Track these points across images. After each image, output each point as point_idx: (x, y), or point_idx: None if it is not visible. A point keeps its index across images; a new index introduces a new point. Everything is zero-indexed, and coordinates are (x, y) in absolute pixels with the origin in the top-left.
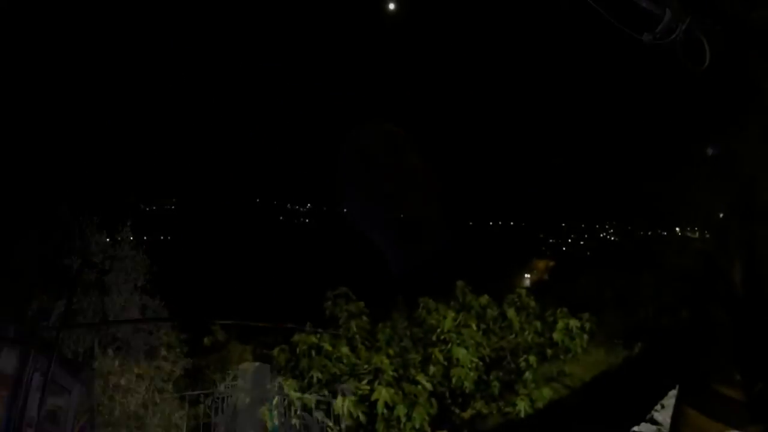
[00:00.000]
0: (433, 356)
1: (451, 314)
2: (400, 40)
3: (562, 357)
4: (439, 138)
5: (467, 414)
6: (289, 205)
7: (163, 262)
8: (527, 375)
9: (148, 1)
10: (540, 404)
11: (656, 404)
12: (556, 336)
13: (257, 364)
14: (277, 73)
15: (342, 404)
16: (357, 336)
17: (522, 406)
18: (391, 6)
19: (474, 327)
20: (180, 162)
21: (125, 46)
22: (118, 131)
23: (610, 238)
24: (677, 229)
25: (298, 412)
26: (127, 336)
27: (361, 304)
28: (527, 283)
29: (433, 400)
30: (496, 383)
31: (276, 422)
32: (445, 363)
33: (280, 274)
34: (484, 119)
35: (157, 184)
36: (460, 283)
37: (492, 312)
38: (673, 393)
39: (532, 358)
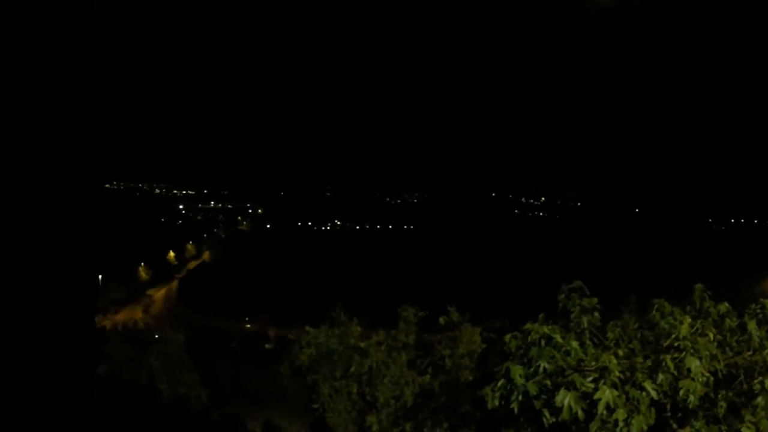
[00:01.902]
0: (663, 363)
1: (688, 320)
2: None
3: None
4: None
5: (685, 431)
6: (523, 198)
7: (401, 249)
8: (759, 400)
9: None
10: None
11: None
12: None
13: (485, 346)
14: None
15: (564, 397)
16: (587, 332)
17: None
18: None
19: (711, 337)
20: (424, 160)
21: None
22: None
23: None
24: None
25: (520, 398)
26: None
27: (594, 300)
28: None
29: (653, 410)
30: (722, 403)
31: (496, 403)
32: (675, 372)
33: (515, 264)
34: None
35: (401, 180)
36: (698, 287)
37: (730, 322)
38: None
39: None
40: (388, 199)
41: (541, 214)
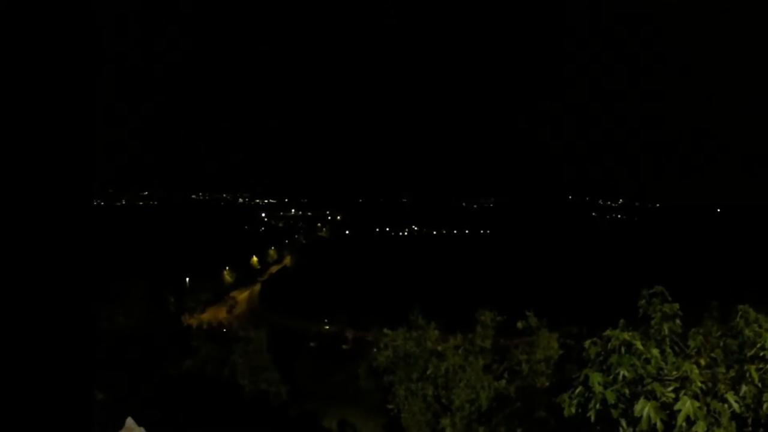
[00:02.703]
0: (747, 374)
1: None
2: None
3: None
4: None
5: None
6: (601, 200)
7: (478, 254)
8: None
9: None
10: None
11: None
12: None
13: (562, 352)
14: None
15: (643, 407)
16: (667, 339)
17: None
18: None
19: None
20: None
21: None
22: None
23: None
24: None
25: (598, 406)
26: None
27: (676, 306)
28: None
29: (734, 423)
30: None
31: (573, 410)
32: (759, 384)
33: (594, 269)
34: None
35: (475, 187)
36: None
37: None
38: None
39: None
40: (464, 204)
41: (619, 216)
